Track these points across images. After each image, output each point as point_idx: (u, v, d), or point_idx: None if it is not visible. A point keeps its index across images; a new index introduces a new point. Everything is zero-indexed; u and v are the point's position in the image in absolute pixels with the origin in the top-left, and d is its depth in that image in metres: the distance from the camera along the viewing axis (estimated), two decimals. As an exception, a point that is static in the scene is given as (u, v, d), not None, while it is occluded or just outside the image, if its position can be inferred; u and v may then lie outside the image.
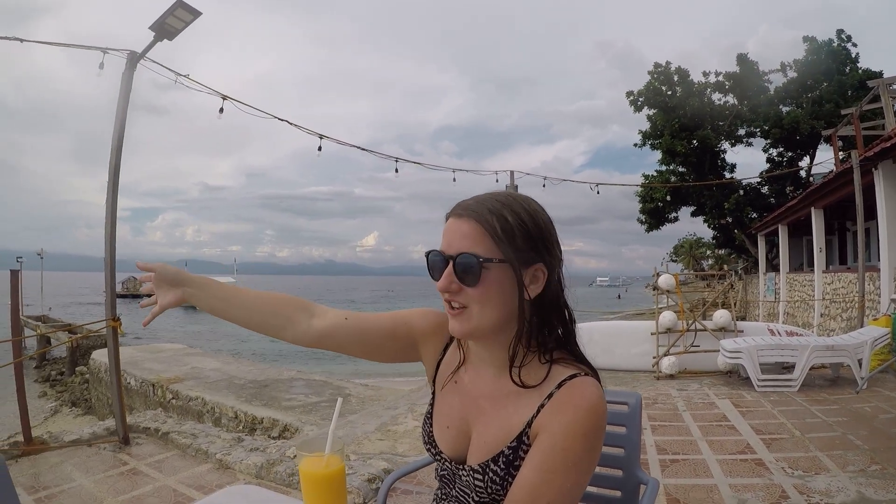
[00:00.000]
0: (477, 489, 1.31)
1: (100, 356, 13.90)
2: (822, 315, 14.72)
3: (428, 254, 1.30)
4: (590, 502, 1.93)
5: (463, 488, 1.37)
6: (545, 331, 1.29)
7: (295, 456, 4.83)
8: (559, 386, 1.23)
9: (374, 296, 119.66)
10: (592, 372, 1.29)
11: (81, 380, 18.45)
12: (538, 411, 1.23)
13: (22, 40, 5.75)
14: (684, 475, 4.41)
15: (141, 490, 4.30)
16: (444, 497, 1.46)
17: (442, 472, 1.46)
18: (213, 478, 4.60)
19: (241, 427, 7.97)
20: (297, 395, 8.86)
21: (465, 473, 1.33)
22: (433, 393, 1.51)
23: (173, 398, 9.81)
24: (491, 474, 1.27)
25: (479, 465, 1.29)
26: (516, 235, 1.22)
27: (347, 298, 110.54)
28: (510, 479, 1.24)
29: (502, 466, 1.25)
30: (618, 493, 1.91)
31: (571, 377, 1.24)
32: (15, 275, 5.78)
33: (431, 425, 1.46)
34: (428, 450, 1.47)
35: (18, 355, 5.54)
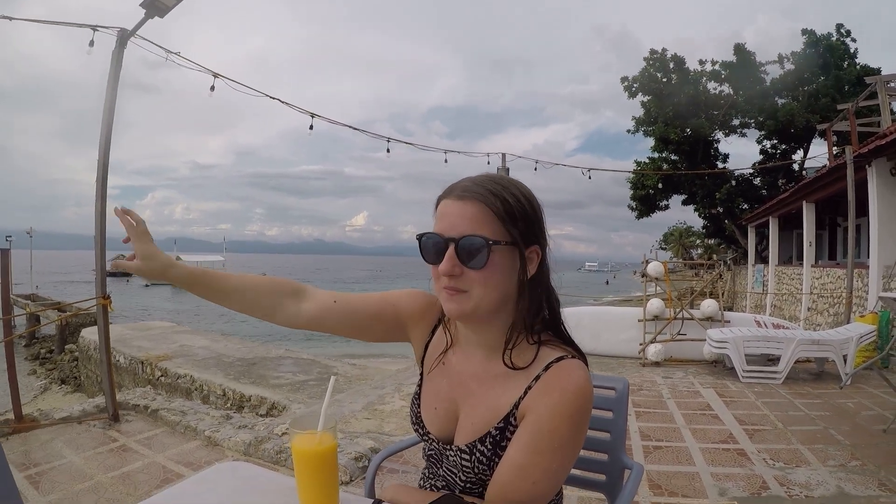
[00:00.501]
0: (464, 469, 1.33)
1: (89, 334, 13.90)
2: (809, 309, 14.84)
3: (421, 237, 1.28)
4: (575, 485, 1.96)
5: (450, 468, 1.40)
6: (534, 312, 1.31)
7: (284, 433, 4.87)
8: (546, 368, 1.25)
9: (363, 276, 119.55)
10: (579, 354, 1.31)
11: (71, 357, 18.47)
12: (525, 393, 1.25)
13: (11, 18, 5.73)
14: (667, 462, 4.46)
15: (130, 466, 4.34)
16: (431, 476, 1.50)
17: (429, 452, 1.49)
18: (201, 454, 4.64)
19: (229, 404, 8.01)
20: (285, 374, 8.90)
21: (453, 453, 1.36)
22: (421, 374, 1.52)
23: (162, 376, 9.84)
24: (478, 454, 1.29)
25: (466, 445, 1.32)
26: (518, 217, 1.23)
27: (337, 278, 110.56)
28: (497, 460, 1.26)
29: (489, 447, 1.28)
30: (602, 477, 1.93)
31: (559, 359, 1.26)
32: (5, 254, 5.78)
33: (419, 406, 1.47)
34: (416, 430, 1.49)
35: (9, 334, 5.55)
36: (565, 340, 1.35)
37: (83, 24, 5.44)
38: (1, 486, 1.56)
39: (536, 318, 1.31)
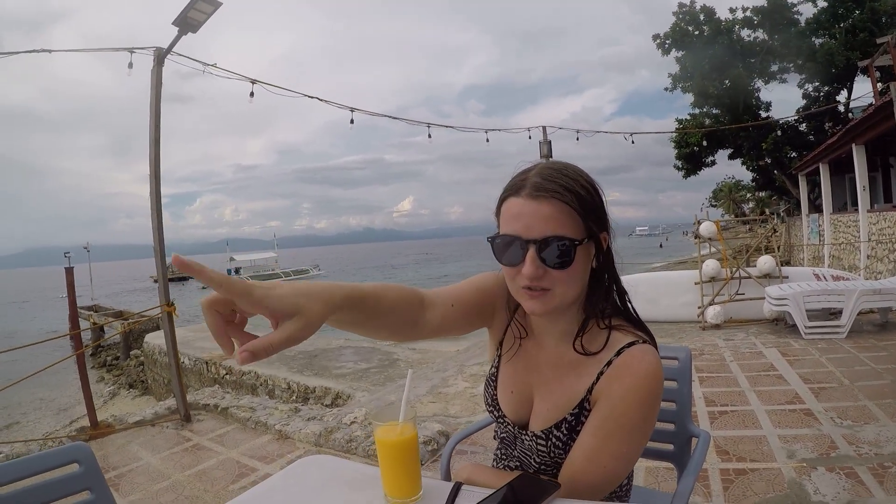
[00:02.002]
0: (539, 453, 1.37)
1: (153, 339, 14.30)
2: (868, 257, 14.39)
3: (493, 238, 1.26)
4: (644, 456, 1.99)
5: (524, 451, 1.44)
6: (604, 297, 1.32)
7: (353, 422, 4.98)
8: (618, 353, 1.27)
9: (413, 261, 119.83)
10: (650, 338, 1.32)
11: (136, 363, 19.06)
12: (598, 378, 1.27)
13: (50, 51, 5.96)
14: (733, 427, 4.44)
15: (206, 464, 4.51)
16: (504, 457, 1.54)
17: (503, 434, 1.52)
18: (273, 448, 4.79)
19: (294, 397, 8.18)
20: (347, 363, 9.04)
21: (528, 438, 1.39)
22: (498, 356, 1.51)
23: (227, 374, 10.09)
24: (554, 440, 1.33)
25: (542, 431, 1.35)
26: (591, 208, 1.22)
27: (388, 264, 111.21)
28: (572, 444, 1.30)
29: (565, 432, 1.31)
30: (670, 447, 1.96)
31: (630, 344, 1.27)
32: (70, 272, 6.05)
33: (496, 388, 1.49)
34: (490, 412, 1.51)
35: (79, 347, 5.92)
36: (635, 325, 1.35)
37: (121, 48, 5.69)
38: (97, 488, 1.65)
39: (606, 302, 1.32)
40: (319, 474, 1.55)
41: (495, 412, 1.49)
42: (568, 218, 1.19)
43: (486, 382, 1.54)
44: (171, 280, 6.50)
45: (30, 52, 5.95)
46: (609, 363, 1.27)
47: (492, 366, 1.54)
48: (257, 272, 75.95)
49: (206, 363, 10.88)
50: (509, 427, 1.46)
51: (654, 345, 1.31)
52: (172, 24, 5.34)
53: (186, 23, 5.33)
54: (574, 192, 1.20)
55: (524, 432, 1.41)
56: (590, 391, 1.29)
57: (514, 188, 1.25)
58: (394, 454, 1.29)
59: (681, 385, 1.98)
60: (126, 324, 20.53)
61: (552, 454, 1.35)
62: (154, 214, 5.70)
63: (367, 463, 1.40)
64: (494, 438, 1.59)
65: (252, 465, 4.44)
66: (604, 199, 1.28)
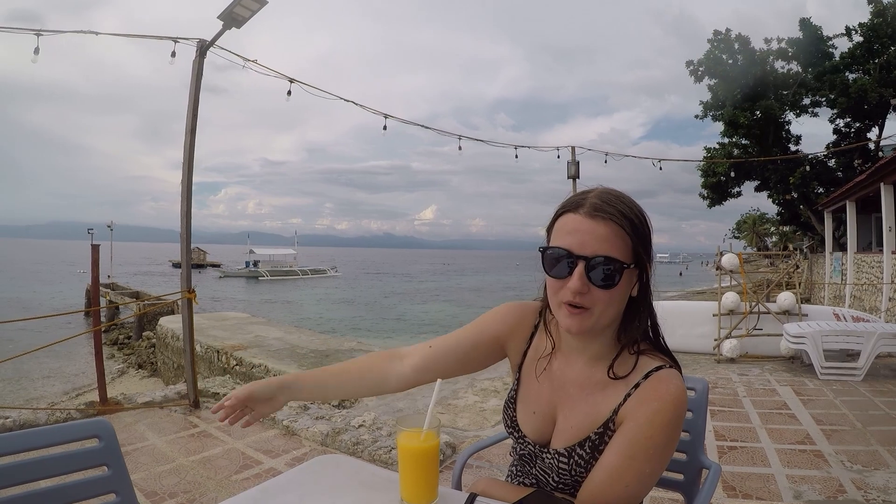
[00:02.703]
0: (560, 471, 1.40)
1: (167, 322, 14.41)
2: (890, 299, 14.24)
3: (545, 249, 1.30)
4: (655, 485, 2.00)
5: (544, 469, 1.46)
6: (641, 325, 1.36)
7: (361, 425, 5.00)
8: (646, 376, 1.31)
9: (430, 270, 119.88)
10: (675, 364, 1.36)
11: (148, 344, 19.24)
12: (625, 399, 1.31)
13: (97, 33, 6.03)
14: (742, 463, 4.42)
15: (211, 451, 4.55)
16: (520, 474, 1.57)
17: (521, 452, 1.53)
18: (279, 443, 4.81)
19: (302, 395, 8.20)
20: (357, 366, 9.05)
21: (550, 456, 1.42)
22: (517, 379, 1.55)
23: (237, 364, 10.13)
24: (576, 458, 1.36)
25: (564, 448, 1.38)
26: (642, 238, 1.28)
27: (404, 272, 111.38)
28: (594, 463, 1.33)
29: (588, 451, 1.34)
30: (680, 477, 1.98)
31: (657, 368, 1.32)
32: (96, 249, 6.12)
33: (515, 410, 1.52)
34: (510, 433, 1.54)
35: (98, 324, 5.97)
36: (663, 350, 1.40)
37: (165, 37, 5.72)
38: (114, 464, 1.67)
39: (640, 330, 1.37)
40: (336, 473, 1.58)
41: (516, 433, 1.51)
42: (620, 241, 1.25)
43: (506, 405, 1.57)
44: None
45: (77, 32, 6.03)
46: (636, 385, 1.31)
47: (511, 389, 1.57)
48: (275, 267, 76.39)
49: (218, 352, 10.94)
50: (529, 446, 1.48)
51: (679, 369, 1.35)
52: (218, 17, 5.42)
53: (232, 18, 5.40)
54: (629, 219, 1.26)
55: (545, 450, 1.44)
56: (615, 412, 1.32)
57: (572, 205, 1.30)
58: (415, 460, 1.32)
59: (696, 416, 2.00)
60: (143, 305, 20.76)
61: (573, 472, 1.37)
62: (184, 202, 5.80)
63: (383, 467, 1.42)
64: (510, 455, 1.62)
65: (257, 457, 4.47)
66: (651, 232, 1.32)
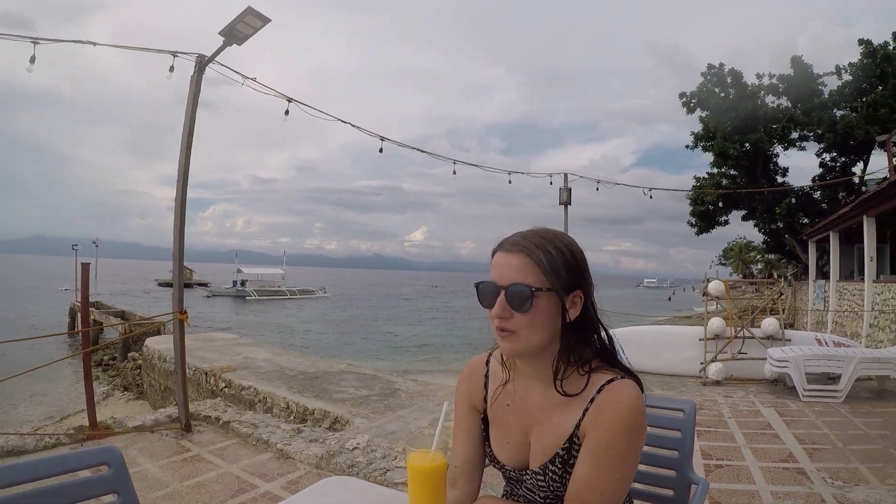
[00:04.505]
0: (541, 488, 1.53)
1: (153, 343, 14.24)
2: (870, 326, 14.45)
3: (478, 284, 1.47)
4: (645, 499, 2.10)
5: (528, 488, 1.59)
6: (583, 346, 1.49)
7: (356, 448, 5.04)
8: (599, 390, 1.44)
9: (420, 293, 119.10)
10: (630, 375, 1.49)
11: (134, 365, 18.92)
12: (584, 414, 1.44)
13: (95, 44, 5.89)
14: (727, 480, 4.53)
15: (205, 476, 4.52)
16: (512, 495, 1.68)
17: (507, 477, 1.67)
18: (274, 466, 4.80)
19: (292, 417, 8.18)
20: (348, 388, 9.00)
21: (529, 477, 1.55)
22: (483, 419, 1.68)
23: (226, 387, 10.03)
24: (551, 474, 1.49)
25: (539, 467, 1.51)
26: (559, 267, 1.42)
27: (389, 293, 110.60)
28: (567, 476, 1.46)
29: (559, 465, 1.48)
30: (670, 493, 2.08)
31: (610, 381, 1.44)
32: (86, 268, 6.04)
33: (490, 447, 1.66)
34: (493, 466, 1.67)
35: (87, 345, 5.84)
36: (616, 365, 1.52)
37: (164, 50, 5.64)
38: (124, 492, 1.68)
39: (582, 352, 1.49)
40: (344, 495, 1.66)
41: (496, 464, 1.64)
42: (531, 269, 1.40)
43: (480, 444, 1.70)
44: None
45: (76, 41, 5.92)
46: (592, 400, 1.44)
47: (481, 430, 1.69)
48: (263, 286, 75.71)
49: (206, 374, 10.85)
50: (510, 472, 1.62)
51: (636, 379, 1.48)
52: (219, 33, 5.42)
53: (233, 34, 5.41)
54: (543, 250, 1.42)
55: (525, 473, 1.57)
56: (577, 426, 1.45)
57: (499, 245, 1.49)
58: (423, 479, 1.42)
59: (684, 435, 2.10)
60: (132, 326, 20.55)
61: (552, 488, 1.50)
62: (177, 220, 5.73)
63: (385, 489, 1.48)
64: (503, 478, 1.73)
65: (252, 481, 4.45)
66: (582, 262, 1.49)
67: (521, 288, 1.38)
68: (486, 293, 1.44)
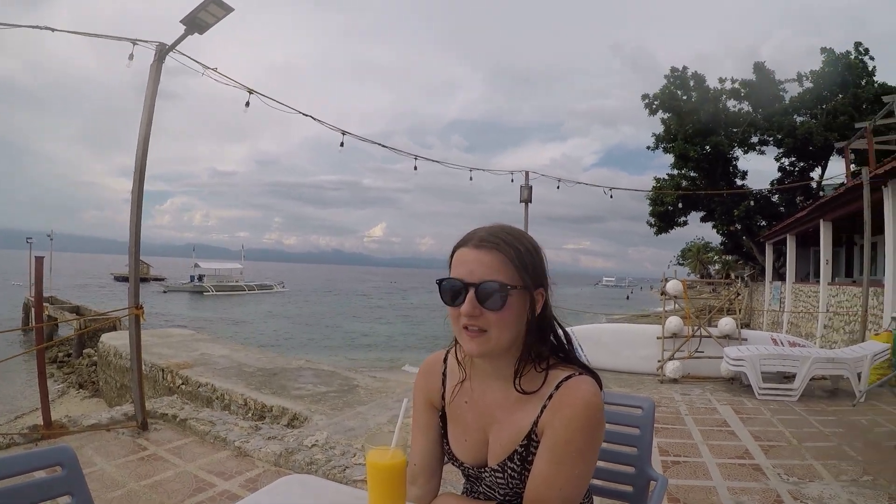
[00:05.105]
0: (499, 485, 1.52)
1: (109, 339, 13.94)
2: (825, 327, 14.79)
3: (441, 281, 1.43)
4: (605, 496, 2.11)
5: (488, 485, 1.57)
6: (541, 344, 1.48)
7: (314, 445, 4.99)
8: (557, 387, 1.42)
9: (379, 288, 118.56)
10: (587, 371, 1.48)
11: (89, 362, 18.50)
12: (541, 412, 1.42)
13: (53, 30, 5.73)
14: (685, 476, 4.57)
15: (162, 475, 4.41)
16: (471, 491, 1.67)
17: (466, 475, 1.65)
18: (232, 465, 4.71)
19: (250, 414, 8.06)
20: (306, 385, 8.90)
21: (488, 474, 1.54)
22: (441, 417, 1.66)
23: (183, 384, 9.86)
24: (509, 471, 1.48)
25: (497, 464, 1.50)
26: (527, 264, 1.40)
27: (355, 289, 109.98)
28: (526, 473, 1.44)
29: (517, 462, 1.46)
30: (629, 489, 2.07)
31: (567, 378, 1.43)
32: (39, 262, 5.82)
33: (448, 444, 1.63)
34: (452, 463, 1.65)
35: (41, 342, 5.61)
36: (573, 361, 1.51)
37: (123, 37, 5.45)
38: (79, 493, 1.63)
39: (542, 349, 1.48)
40: (303, 494, 1.60)
41: (455, 463, 1.63)
42: (504, 267, 1.38)
43: (438, 441, 1.68)
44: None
45: (33, 27, 5.69)
46: (550, 397, 1.42)
47: (439, 427, 1.68)
48: (221, 282, 74.63)
49: (163, 370, 10.64)
50: (469, 469, 1.60)
51: (593, 376, 1.47)
52: (181, 21, 5.28)
53: (195, 23, 5.27)
54: (513, 247, 1.40)
55: (483, 470, 1.55)
56: (535, 423, 1.43)
57: (464, 241, 1.45)
58: (383, 477, 1.37)
59: (643, 432, 2.10)
60: (88, 322, 20.06)
61: (511, 485, 1.48)
62: (134, 213, 5.56)
63: (344, 486, 1.45)
64: (463, 475, 1.71)
65: (210, 480, 4.36)
66: (543, 260, 1.48)
67: (494, 285, 1.35)
68: (451, 291, 1.40)
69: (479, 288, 1.36)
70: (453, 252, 1.46)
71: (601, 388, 1.44)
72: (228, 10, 5.28)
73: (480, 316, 1.36)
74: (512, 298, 1.37)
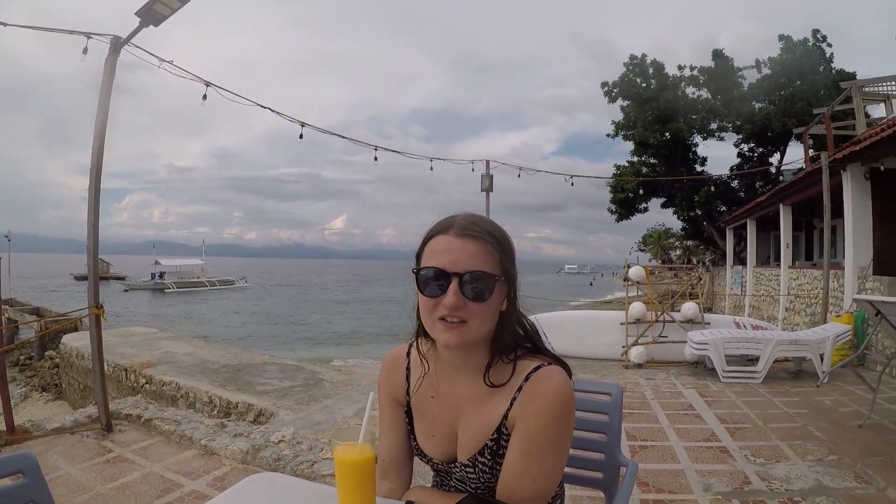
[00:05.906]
0: (470, 479, 1.48)
1: (70, 340, 13.69)
2: (787, 309, 15.06)
3: (419, 270, 1.37)
4: (575, 483, 2.08)
5: (458, 480, 1.54)
6: (509, 335, 1.44)
7: (281, 441, 4.92)
8: (527, 378, 1.39)
9: (341, 281, 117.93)
10: (556, 361, 1.45)
11: (51, 364, 18.17)
12: (511, 404, 1.39)
13: (5, 24, 5.61)
14: (653, 460, 4.61)
15: (129, 477, 4.32)
16: (441, 486, 1.63)
17: (437, 469, 1.61)
18: (199, 464, 4.63)
19: (215, 412, 7.95)
20: (271, 380, 8.82)
21: (458, 469, 1.50)
22: (407, 413, 1.61)
23: (146, 383, 9.71)
24: (480, 465, 1.44)
25: (468, 459, 1.46)
26: (508, 254, 1.38)
27: (315, 282, 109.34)
28: (497, 467, 1.41)
29: (488, 457, 1.43)
30: (600, 475, 2.06)
31: (536, 368, 1.40)
32: None
33: (416, 440, 1.58)
34: (420, 459, 1.61)
35: (1, 345, 5.45)
36: (541, 352, 1.48)
37: (77, 31, 5.33)
38: (41, 501, 1.57)
39: (510, 339, 1.44)
40: (271, 492, 1.55)
41: (423, 458, 1.58)
42: (489, 257, 1.35)
43: (405, 437, 1.63)
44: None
45: None
46: (520, 388, 1.39)
47: (405, 423, 1.63)
48: (182, 278, 73.69)
49: (126, 370, 10.45)
50: (438, 465, 1.56)
51: (562, 365, 1.44)
52: (135, 14, 5.12)
53: (150, 15, 5.12)
54: (495, 236, 1.37)
55: (453, 465, 1.51)
56: (505, 416, 1.40)
57: (442, 228, 1.39)
58: (352, 472, 1.32)
59: (612, 419, 2.08)
60: (48, 323, 19.65)
61: (482, 479, 1.45)
62: (91, 211, 5.42)
63: (311, 483, 1.41)
64: (433, 469, 1.67)
65: (178, 480, 4.29)
66: (514, 249, 1.44)
67: (483, 276, 1.32)
68: (431, 281, 1.34)
69: (464, 278, 1.31)
70: (427, 240, 1.41)
71: (570, 377, 1.41)
72: (184, 0, 5.13)
73: (463, 307, 1.31)
74: (496, 289, 1.34)
